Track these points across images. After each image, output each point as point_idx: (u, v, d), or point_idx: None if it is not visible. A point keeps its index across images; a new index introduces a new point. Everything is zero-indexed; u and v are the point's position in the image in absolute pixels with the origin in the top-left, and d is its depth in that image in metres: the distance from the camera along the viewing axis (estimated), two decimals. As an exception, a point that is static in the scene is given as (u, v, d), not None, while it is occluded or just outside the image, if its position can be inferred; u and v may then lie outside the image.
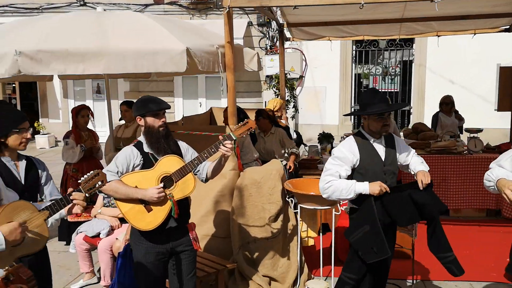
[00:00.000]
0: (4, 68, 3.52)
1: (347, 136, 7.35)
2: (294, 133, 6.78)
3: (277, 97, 7.05)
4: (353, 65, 12.29)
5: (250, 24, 12.35)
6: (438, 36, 6.85)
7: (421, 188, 3.13)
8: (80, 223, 4.80)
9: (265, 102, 11.45)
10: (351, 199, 3.18)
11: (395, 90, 12.25)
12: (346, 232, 3.29)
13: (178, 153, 3.20)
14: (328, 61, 11.81)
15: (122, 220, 4.54)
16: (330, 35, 7.07)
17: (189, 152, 3.30)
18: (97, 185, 2.73)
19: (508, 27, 6.63)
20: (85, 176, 2.74)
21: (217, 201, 4.40)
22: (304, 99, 12.11)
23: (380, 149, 3.29)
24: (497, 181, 2.64)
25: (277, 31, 12.39)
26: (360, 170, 3.22)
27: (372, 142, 3.26)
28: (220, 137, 3.16)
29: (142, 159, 3.13)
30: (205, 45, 4.10)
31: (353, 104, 12.35)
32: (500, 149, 6.39)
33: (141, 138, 3.20)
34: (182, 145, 3.31)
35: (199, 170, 3.27)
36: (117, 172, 3.06)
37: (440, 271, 4.64)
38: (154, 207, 3.05)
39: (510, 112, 6.96)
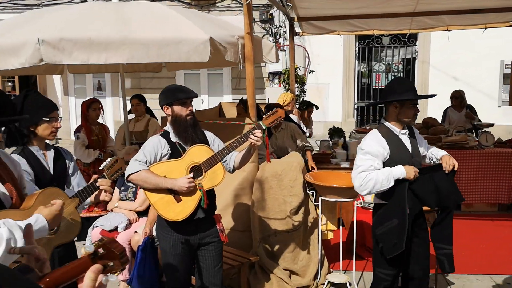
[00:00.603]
0: (24, 58, 3.46)
1: (357, 132, 7.37)
2: (305, 128, 6.74)
3: (287, 91, 7.03)
4: (356, 61, 12.27)
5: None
6: (449, 30, 6.83)
7: (447, 172, 3.09)
8: (93, 218, 4.73)
9: (268, 99, 11.42)
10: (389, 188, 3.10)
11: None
12: (374, 225, 3.23)
13: (205, 142, 3.15)
14: (331, 57, 11.80)
15: (140, 214, 4.48)
16: (340, 29, 7.03)
17: (216, 142, 3.25)
18: (119, 173, 2.74)
19: (519, 21, 6.63)
20: (105, 163, 2.73)
21: (237, 194, 4.35)
22: (307, 96, 12.09)
23: (406, 140, 3.23)
24: None
25: (280, 28, 12.42)
26: (390, 163, 3.11)
27: (398, 134, 3.20)
28: (250, 126, 3.12)
29: (169, 148, 3.08)
30: (226, 35, 4.05)
31: (356, 101, 12.34)
32: (511, 144, 6.40)
33: (168, 127, 3.15)
34: (209, 135, 3.26)
35: (225, 161, 3.22)
36: (146, 161, 3.00)
37: (461, 264, 4.65)
38: (184, 197, 3.00)
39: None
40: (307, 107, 6.97)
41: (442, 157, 3.20)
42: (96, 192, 2.69)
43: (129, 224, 4.41)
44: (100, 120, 5.80)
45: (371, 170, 3.06)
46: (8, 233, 1.72)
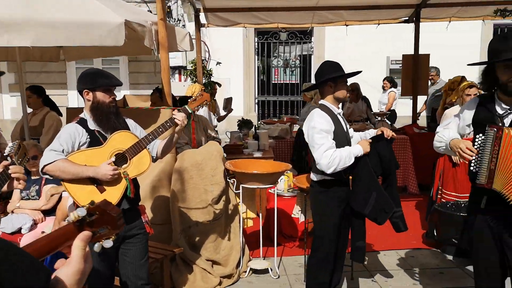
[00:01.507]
0: None
1: (266, 123, 7.53)
2: (215, 119, 6.72)
3: (195, 83, 6.97)
4: (256, 56, 12.49)
5: (149, 12, 11.94)
6: (347, 25, 7.21)
7: (388, 138, 3.28)
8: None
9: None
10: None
11: (296, 82, 12.69)
12: (360, 206, 3.24)
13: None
14: (231, 52, 11.87)
15: (46, 213, 4.12)
16: (245, 22, 7.09)
17: (137, 129, 3.09)
18: (25, 158, 2.48)
19: (407, 18, 7.20)
20: (8, 148, 2.46)
21: (154, 187, 4.18)
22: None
23: (342, 120, 3.36)
24: (450, 141, 2.82)
25: (178, 22, 12.19)
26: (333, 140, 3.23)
27: (336, 113, 3.30)
28: (175, 111, 3.01)
29: (88, 137, 2.86)
30: (139, 20, 3.86)
31: (257, 95, 12.56)
32: (404, 131, 6.94)
33: (85, 114, 2.92)
34: (130, 122, 3.09)
35: (148, 149, 3.07)
36: (62, 150, 2.76)
37: (370, 242, 4.94)
38: (108, 187, 2.81)
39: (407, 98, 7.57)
40: (211, 87, 7.07)
41: (381, 128, 3.39)
42: (8, 181, 2.39)
43: (34, 224, 4.03)
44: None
45: (332, 146, 3.12)
46: None
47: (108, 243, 1.04)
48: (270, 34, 12.28)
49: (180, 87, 10.88)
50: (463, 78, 5.32)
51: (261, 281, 4.20)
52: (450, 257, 4.62)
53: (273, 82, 12.80)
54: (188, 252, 4.04)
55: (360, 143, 3.22)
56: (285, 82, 12.71)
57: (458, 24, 7.73)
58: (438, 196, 4.96)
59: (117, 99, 2.97)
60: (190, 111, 3.03)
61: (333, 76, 3.21)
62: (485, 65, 2.73)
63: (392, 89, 9.07)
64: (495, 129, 2.54)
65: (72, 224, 0.98)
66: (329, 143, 3.14)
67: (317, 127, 3.16)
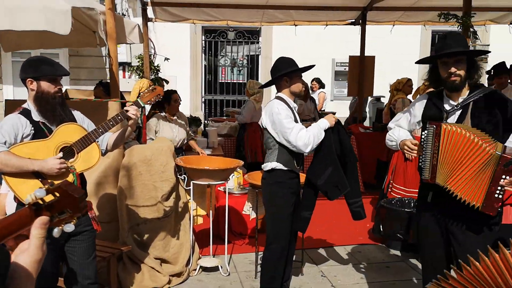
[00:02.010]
0: None
1: (215, 121, 7.45)
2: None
3: (142, 78, 6.78)
4: (203, 55, 12.37)
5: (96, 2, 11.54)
6: (296, 25, 7.29)
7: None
8: None
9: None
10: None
11: (243, 82, 12.69)
12: (313, 176, 3.30)
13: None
14: (177, 50, 11.68)
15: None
16: (195, 18, 7.00)
17: (85, 122, 2.95)
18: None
19: (354, 20, 7.38)
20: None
21: (99, 183, 4.02)
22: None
23: (296, 114, 3.41)
24: (400, 141, 2.92)
25: (123, 17, 11.86)
26: None
27: (292, 107, 3.34)
28: (127, 103, 2.91)
29: (32, 128, 2.70)
30: (86, 9, 3.70)
31: (203, 94, 12.45)
32: (350, 130, 7.11)
33: (28, 105, 2.75)
34: (77, 114, 2.94)
35: (98, 142, 2.94)
36: (5, 142, 2.58)
37: (321, 238, 5.01)
38: (53, 181, 2.65)
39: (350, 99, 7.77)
40: (159, 84, 6.87)
41: (327, 116, 3.47)
42: None
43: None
44: None
45: (302, 127, 3.22)
46: None
47: (69, 227, 0.97)
48: (218, 33, 12.20)
49: (124, 83, 10.56)
50: (409, 80, 5.51)
51: (211, 278, 4.14)
52: (395, 252, 4.76)
53: (220, 81, 12.74)
54: (136, 251, 3.92)
55: (325, 117, 3.33)
56: (232, 81, 12.69)
57: (401, 29, 8.02)
58: (389, 190, 5.11)
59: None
60: (142, 105, 2.94)
61: (288, 71, 3.26)
62: (431, 64, 2.84)
63: (321, 89, 9.27)
64: (434, 126, 2.64)
65: (28, 207, 0.90)
66: (299, 125, 3.23)
67: (282, 113, 3.22)
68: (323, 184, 3.25)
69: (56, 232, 0.95)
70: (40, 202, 0.91)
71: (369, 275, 4.21)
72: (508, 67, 6.83)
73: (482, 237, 2.67)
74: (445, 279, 0.84)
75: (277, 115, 3.22)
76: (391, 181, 5.19)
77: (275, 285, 3.43)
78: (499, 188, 2.43)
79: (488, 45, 10.16)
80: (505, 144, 2.53)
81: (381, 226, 4.75)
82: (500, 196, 2.44)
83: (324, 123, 3.28)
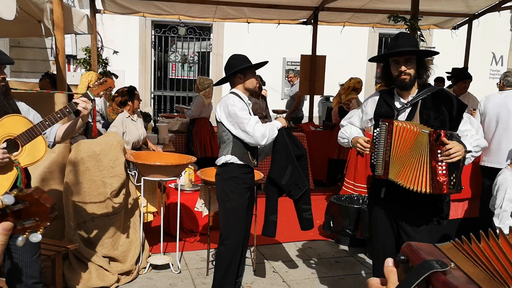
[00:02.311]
0: None
1: (165, 117, 7.30)
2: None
3: (89, 71, 6.51)
4: (153, 50, 12.13)
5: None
6: (248, 22, 7.28)
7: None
8: None
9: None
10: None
11: (194, 78, 12.55)
12: (277, 176, 3.33)
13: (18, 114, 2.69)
14: (126, 44, 11.39)
15: None
16: (145, 11, 6.85)
17: (30, 113, 2.81)
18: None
19: (306, 20, 7.47)
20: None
21: (44, 179, 3.85)
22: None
23: (250, 110, 3.42)
24: (352, 139, 2.99)
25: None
26: None
27: (246, 102, 3.34)
28: (76, 95, 2.79)
29: (-27, 119, 2.54)
30: (32, -5, 3.52)
31: (153, 90, 12.22)
32: (301, 128, 7.19)
33: (-32, 95, 2.59)
34: (22, 105, 2.79)
35: (45, 133, 2.81)
36: None
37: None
38: (22, 187, 2.50)
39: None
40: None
41: (278, 118, 3.55)
42: None
43: None
44: None
45: (258, 120, 3.26)
46: None
47: (36, 237, 0.90)
48: (168, 28, 12.00)
49: (69, 76, 10.18)
50: (361, 80, 5.64)
51: (161, 276, 4.06)
52: (344, 247, 4.86)
53: (170, 77, 12.54)
54: (83, 249, 3.77)
55: (277, 119, 3.40)
56: (183, 77, 12.52)
57: (351, 30, 8.21)
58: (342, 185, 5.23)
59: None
60: (92, 97, 2.83)
61: (242, 67, 3.25)
62: (383, 63, 2.92)
63: (264, 88, 9.35)
64: (387, 123, 2.71)
65: None
66: (255, 117, 3.26)
67: (237, 105, 3.23)
68: (287, 183, 3.28)
69: (20, 240, 0.89)
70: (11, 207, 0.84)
71: (320, 270, 4.28)
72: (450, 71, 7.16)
73: (430, 231, 2.77)
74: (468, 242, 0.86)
75: (232, 106, 3.21)
76: (344, 174, 5.34)
77: (229, 281, 3.41)
78: (439, 163, 2.49)
79: (434, 47, 10.60)
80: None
81: (331, 222, 4.84)
82: (444, 172, 2.49)
83: (277, 123, 3.36)
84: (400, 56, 2.71)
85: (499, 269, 0.80)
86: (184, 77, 12.53)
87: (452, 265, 0.84)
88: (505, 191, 3.75)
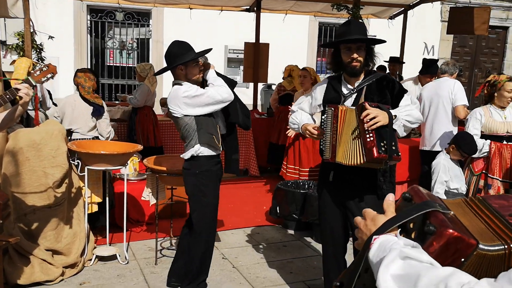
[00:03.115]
0: None
1: (107, 105, 7.05)
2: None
3: (22, 57, 6.11)
4: (89, 36, 11.67)
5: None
6: (191, 9, 7.17)
7: None
8: None
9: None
10: None
11: (133, 65, 12.22)
12: (234, 117, 3.39)
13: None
14: (60, 30, 10.87)
15: None
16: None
17: (-36, 101, 2.63)
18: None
19: (249, 7, 7.47)
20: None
21: (-22, 170, 3.63)
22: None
23: None
24: (302, 125, 3.05)
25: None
26: None
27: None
28: (15, 81, 2.64)
29: None
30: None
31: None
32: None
33: None
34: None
35: (-19, 122, 2.65)
36: None
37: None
38: None
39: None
40: None
41: None
42: None
43: None
44: None
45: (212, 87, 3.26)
46: None
47: None
48: (105, 13, 11.58)
49: (6, 64, 9.61)
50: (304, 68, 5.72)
51: (108, 268, 3.96)
52: (290, 231, 4.96)
53: (108, 64, 12.14)
54: (24, 242, 3.60)
55: (207, 68, 3.42)
56: (121, 65, 12.16)
57: (293, 18, 8.30)
58: (283, 170, 5.31)
59: None
60: (34, 83, 2.69)
61: (183, 62, 3.17)
62: (333, 49, 2.98)
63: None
64: (332, 108, 2.80)
65: None
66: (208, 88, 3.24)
67: (189, 90, 3.17)
68: (242, 120, 3.36)
69: None
70: None
71: (268, 254, 4.35)
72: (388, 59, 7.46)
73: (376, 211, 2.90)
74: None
75: (185, 92, 3.14)
76: (285, 163, 5.42)
77: (205, 273, 3.44)
78: (366, 132, 2.61)
79: (375, 35, 10.94)
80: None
81: (278, 208, 4.92)
82: (372, 139, 2.60)
83: (212, 73, 3.36)
84: (354, 43, 2.78)
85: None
86: (123, 64, 12.16)
87: (452, 213, 0.90)
88: (437, 174, 3.96)
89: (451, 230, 0.85)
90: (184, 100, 3.14)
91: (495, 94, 4.07)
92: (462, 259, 0.86)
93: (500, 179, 4.02)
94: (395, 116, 2.69)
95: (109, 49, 12.12)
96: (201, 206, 3.30)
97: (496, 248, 0.86)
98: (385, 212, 0.99)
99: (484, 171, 4.10)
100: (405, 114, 2.81)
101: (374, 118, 2.57)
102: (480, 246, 0.86)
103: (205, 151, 3.22)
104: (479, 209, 0.95)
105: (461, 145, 3.90)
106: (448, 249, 0.86)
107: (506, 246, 0.86)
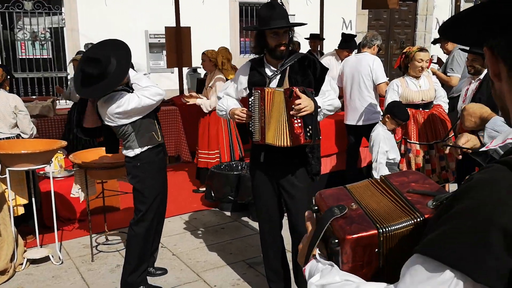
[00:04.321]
0: None
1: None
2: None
3: None
4: (-3, 28, 10.89)
5: None
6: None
7: None
8: None
9: None
10: None
11: (49, 57, 11.59)
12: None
13: None
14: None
15: None
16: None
17: None
18: None
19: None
20: None
21: None
22: None
23: None
24: (230, 110, 3.07)
25: None
26: None
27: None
28: None
29: None
30: None
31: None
32: (173, 101, 7.12)
33: None
34: None
35: None
36: None
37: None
38: None
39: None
40: None
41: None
42: None
43: None
44: None
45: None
46: None
47: None
48: (12, 3, 10.82)
49: None
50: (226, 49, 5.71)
51: (42, 270, 3.82)
52: (227, 213, 5.02)
53: (20, 57, 11.41)
54: None
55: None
56: (35, 57, 11.47)
57: (212, 0, 8.22)
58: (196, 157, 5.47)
59: None
60: None
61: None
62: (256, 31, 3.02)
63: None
64: (259, 91, 2.86)
65: None
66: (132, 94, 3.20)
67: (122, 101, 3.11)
68: None
69: None
70: None
71: (207, 238, 4.38)
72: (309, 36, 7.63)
73: (307, 187, 3.02)
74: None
75: (117, 109, 3.09)
76: (197, 148, 5.52)
77: (146, 259, 3.42)
78: (294, 118, 2.71)
79: (294, 15, 11.09)
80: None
81: (212, 191, 4.95)
82: (300, 125, 2.72)
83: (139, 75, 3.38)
84: (281, 29, 2.84)
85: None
86: (37, 56, 11.48)
87: (353, 206, 0.95)
88: (378, 145, 4.11)
89: (348, 236, 0.88)
90: (117, 116, 3.12)
91: (409, 65, 4.31)
92: (376, 250, 0.89)
93: (418, 143, 4.28)
94: (319, 106, 2.81)
95: (20, 41, 11.38)
96: (143, 193, 3.30)
97: (404, 224, 0.89)
98: (307, 231, 1.04)
99: (404, 137, 4.34)
100: (327, 104, 2.94)
101: (304, 107, 2.67)
102: (384, 229, 0.88)
103: (146, 147, 3.24)
104: (383, 188, 1.01)
105: (396, 113, 3.98)
106: (356, 251, 0.88)
107: (413, 221, 0.88)
